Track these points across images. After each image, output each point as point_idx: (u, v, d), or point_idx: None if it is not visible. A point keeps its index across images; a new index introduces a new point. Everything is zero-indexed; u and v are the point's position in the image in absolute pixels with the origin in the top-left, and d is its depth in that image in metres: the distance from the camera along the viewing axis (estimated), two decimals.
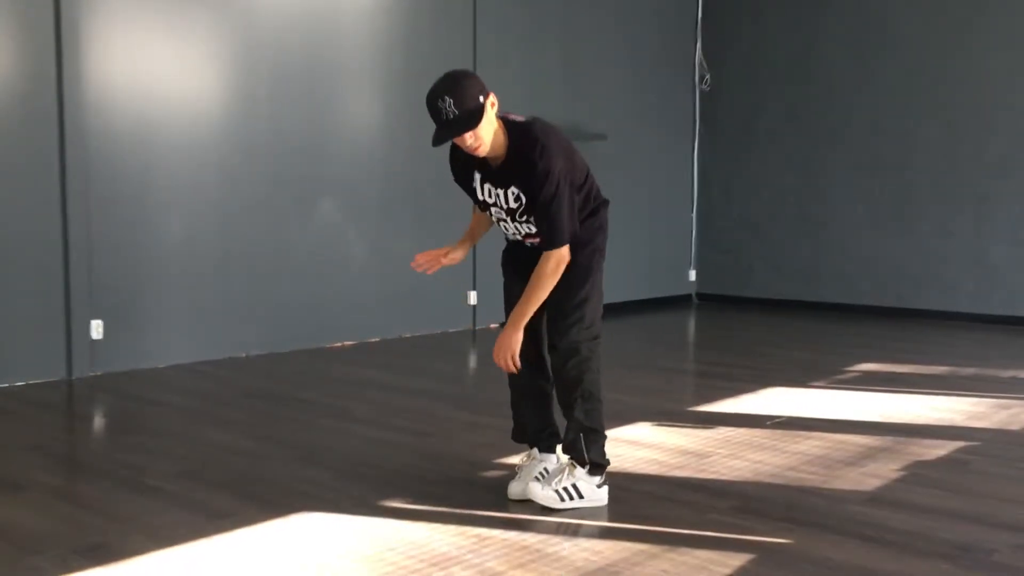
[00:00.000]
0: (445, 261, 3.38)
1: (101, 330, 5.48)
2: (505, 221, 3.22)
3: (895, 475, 3.64)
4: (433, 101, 2.95)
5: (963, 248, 8.01)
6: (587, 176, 3.26)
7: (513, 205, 3.14)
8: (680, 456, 3.88)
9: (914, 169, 8.21)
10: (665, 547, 2.89)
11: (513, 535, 2.98)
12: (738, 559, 2.79)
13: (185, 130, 5.82)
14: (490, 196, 3.18)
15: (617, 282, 7.26)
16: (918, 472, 3.69)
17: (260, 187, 6.19)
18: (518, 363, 3.15)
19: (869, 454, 3.93)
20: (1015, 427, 4.43)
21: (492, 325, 7.52)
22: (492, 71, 7.12)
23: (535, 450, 3.42)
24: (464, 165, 3.20)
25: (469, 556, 2.81)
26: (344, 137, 6.64)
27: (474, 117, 2.94)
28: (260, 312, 6.21)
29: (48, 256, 5.31)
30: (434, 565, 2.74)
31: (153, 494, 3.38)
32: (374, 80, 6.77)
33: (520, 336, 3.13)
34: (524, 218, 3.15)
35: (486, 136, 3.00)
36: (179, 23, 5.75)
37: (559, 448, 3.36)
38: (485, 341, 7.02)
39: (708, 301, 9.36)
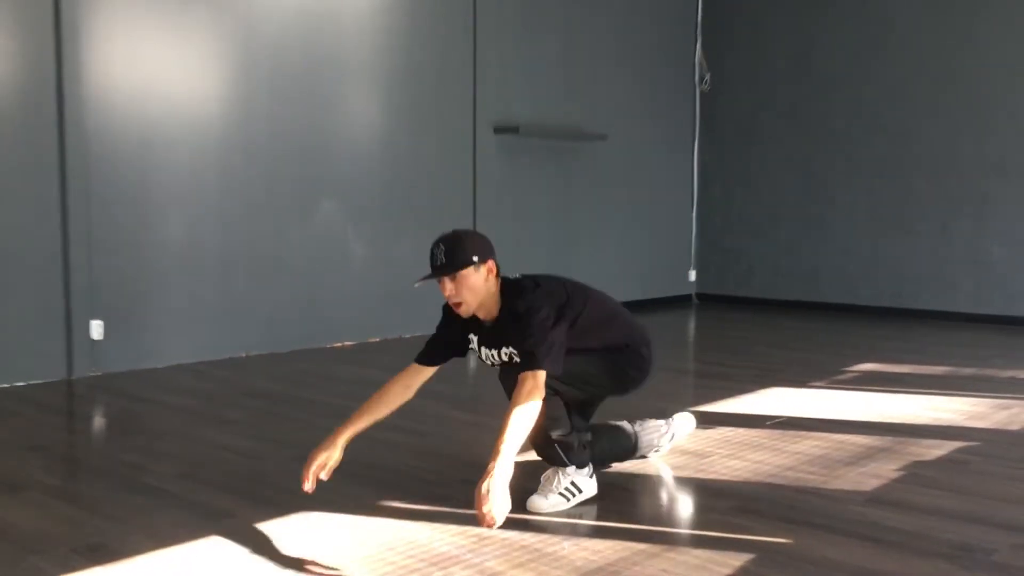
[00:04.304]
0: (325, 475, 3.05)
1: (101, 330, 5.48)
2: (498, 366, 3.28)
3: (895, 475, 3.64)
4: (432, 247, 3.10)
5: (963, 248, 8.01)
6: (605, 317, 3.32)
7: (505, 359, 3.22)
8: (680, 456, 3.87)
9: (914, 169, 8.22)
10: (665, 547, 2.89)
11: (513, 535, 2.98)
12: (738, 559, 2.79)
13: (185, 130, 5.83)
14: (486, 358, 3.27)
15: (617, 282, 7.27)
16: (918, 472, 3.68)
17: (260, 187, 6.19)
18: (500, 521, 2.72)
19: (869, 454, 3.93)
20: (1015, 427, 4.43)
21: None
22: (492, 71, 7.14)
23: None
24: (462, 327, 3.28)
25: (469, 556, 2.80)
26: (344, 137, 6.64)
27: (454, 267, 3.04)
28: (260, 312, 6.22)
29: (48, 256, 5.31)
30: (434, 565, 2.74)
31: (153, 494, 3.38)
32: (374, 80, 6.77)
33: (505, 490, 2.74)
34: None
35: (468, 296, 3.08)
36: (179, 23, 5.75)
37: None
38: None
39: (708, 301, 9.36)
